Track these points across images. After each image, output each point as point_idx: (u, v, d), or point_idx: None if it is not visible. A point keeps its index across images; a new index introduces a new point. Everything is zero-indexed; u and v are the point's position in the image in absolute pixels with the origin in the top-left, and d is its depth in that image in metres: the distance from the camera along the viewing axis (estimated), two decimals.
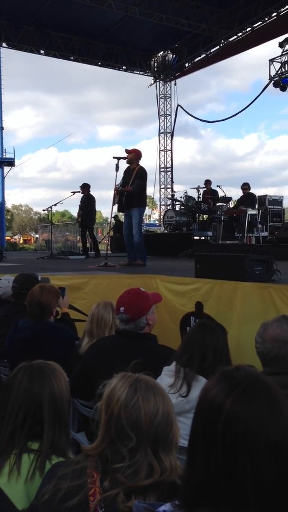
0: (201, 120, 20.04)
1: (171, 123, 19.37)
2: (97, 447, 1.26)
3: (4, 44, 16.39)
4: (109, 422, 1.24)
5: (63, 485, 1.20)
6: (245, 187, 11.22)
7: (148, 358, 2.15)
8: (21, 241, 44.59)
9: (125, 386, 1.26)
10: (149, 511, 0.99)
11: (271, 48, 13.39)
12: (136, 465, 1.18)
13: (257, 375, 1.00)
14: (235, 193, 11.67)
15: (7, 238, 32.54)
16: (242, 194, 11.36)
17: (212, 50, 16.74)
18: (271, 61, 13.40)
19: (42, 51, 16.51)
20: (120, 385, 1.27)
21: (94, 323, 2.89)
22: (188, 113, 18.75)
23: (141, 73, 18.78)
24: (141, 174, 7.18)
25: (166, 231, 13.41)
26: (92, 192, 10.85)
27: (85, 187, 10.75)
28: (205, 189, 12.68)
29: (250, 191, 11.30)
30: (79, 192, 10.66)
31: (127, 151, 7.27)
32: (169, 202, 17.55)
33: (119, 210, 7.78)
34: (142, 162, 7.40)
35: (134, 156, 7.21)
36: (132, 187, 7.00)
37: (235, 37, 15.56)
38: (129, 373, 1.32)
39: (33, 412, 1.56)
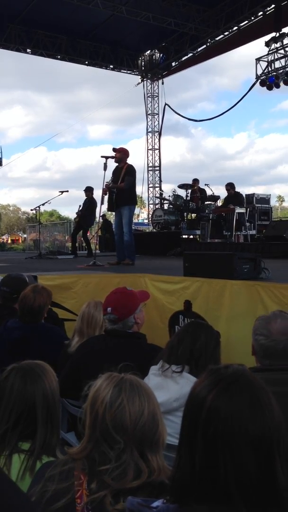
0: (189, 119, 19.99)
1: (158, 122, 19.40)
2: (83, 449, 1.24)
3: None
4: (94, 424, 1.23)
5: (50, 487, 1.19)
6: (228, 187, 11.26)
7: (137, 358, 2.16)
8: (9, 241, 44.27)
9: (110, 387, 1.25)
10: (142, 506, 1.00)
11: (261, 46, 13.44)
12: (123, 466, 1.17)
13: (243, 372, 1.01)
14: (224, 192, 11.70)
15: None
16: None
17: (199, 49, 16.75)
18: (258, 60, 13.46)
19: (28, 50, 16.35)
20: (104, 386, 1.26)
21: (84, 322, 2.88)
22: (176, 112, 18.74)
23: (128, 72, 18.73)
24: (131, 171, 7.20)
25: (154, 230, 13.41)
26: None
27: (89, 190, 10.86)
28: (193, 187, 12.72)
29: (236, 191, 11.33)
30: (67, 191, 10.66)
31: (114, 150, 7.27)
32: (157, 201, 17.55)
33: (109, 210, 7.77)
34: (132, 161, 7.45)
35: (122, 155, 7.22)
36: (124, 183, 7.01)
37: (221, 36, 15.59)
38: (114, 373, 1.31)
39: (27, 413, 1.56)
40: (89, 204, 10.74)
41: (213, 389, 0.97)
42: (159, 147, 19.62)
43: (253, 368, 2.05)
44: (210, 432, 0.93)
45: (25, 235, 30.62)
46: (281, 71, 12.93)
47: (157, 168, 19.62)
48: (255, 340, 2.11)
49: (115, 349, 2.43)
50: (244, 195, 12.00)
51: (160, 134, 19.53)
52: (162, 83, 18.74)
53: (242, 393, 0.96)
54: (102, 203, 7.27)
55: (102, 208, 7.54)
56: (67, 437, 2.58)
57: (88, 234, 12.23)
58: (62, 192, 10.60)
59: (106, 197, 7.22)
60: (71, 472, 1.22)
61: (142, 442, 1.20)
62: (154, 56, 18.40)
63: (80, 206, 10.96)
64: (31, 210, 11.18)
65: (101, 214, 9.50)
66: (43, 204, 10.43)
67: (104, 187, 7.13)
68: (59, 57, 17.04)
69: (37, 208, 10.57)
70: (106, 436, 1.20)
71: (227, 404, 0.94)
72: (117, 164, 7.29)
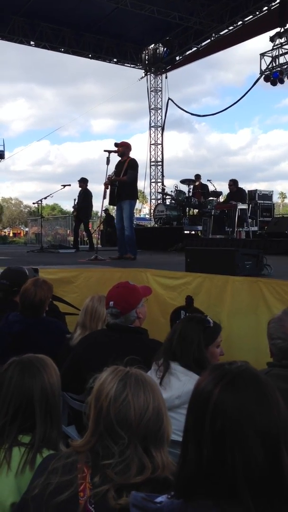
0: (192, 114, 20.04)
1: (162, 116, 19.32)
2: (86, 443, 1.24)
3: None
4: (98, 418, 1.22)
5: (53, 479, 1.18)
6: (231, 183, 11.24)
7: (138, 352, 2.15)
8: (11, 234, 44.28)
9: (115, 381, 1.24)
10: (147, 501, 1.00)
11: (265, 41, 13.36)
12: (126, 461, 1.16)
13: (247, 367, 1.02)
14: (226, 188, 11.69)
15: None
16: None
17: (203, 44, 16.67)
18: (262, 55, 13.39)
19: (32, 42, 16.31)
20: (109, 379, 1.25)
21: (87, 316, 2.88)
22: (179, 107, 18.68)
23: (131, 65, 18.65)
24: (133, 165, 7.17)
25: (156, 225, 13.39)
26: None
27: (83, 182, 10.81)
28: (196, 183, 12.69)
29: (239, 186, 11.32)
30: (69, 185, 10.65)
31: (116, 144, 7.24)
32: (159, 196, 17.52)
33: (110, 203, 7.74)
34: (135, 155, 7.42)
35: (125, 148, 7.20)
36: (126, 177, 6.98)
37: (226, 30, 15.50)
38: (119, 367, 1.30)
39: (25, 407, 1.57)
40: (84, 195, 10.71)
41: (218, 383, 0.97)
42: (162, 142, 19.59)
43: (270, 363, 2.07)
44: (217, 425, 0.93)
45: (26, 229, 30.60)
46: (285, 66, 12.87)
47: (160, 163, 19.58)
48: (273, 344, 2.12)
49: (117, 343, 2.42)
50: (246, 191, 11.98)
51: (163, 129, 19.48)
52: (166, 77, 18.70)
53: (248, 386, 0.97)
54: (104, 197, 7.25)
55: (104, 202, 7.53)
56: (67, 431, 2.59)
57: (90, 227, 12.21)
58: (64, 186, 10.59)
59: (108, 191, 7.20)
60: (74, 465, 1.21)
61: (146, 438, 1.20)
62: (158, 50, 18.32)
63: (75, 199, 10.92)
64: (33, 203, 11.21)
65: (103, 209, 9.49)
66: (45, 198, 10.44)
67: (106, 180, 7.10)
68: (62, 49, 16.98)
69: (39, 202, 10.58)
70: (110, 430, 1.19)
71: (234, 397, 0.95)
72: (120, 158, 7.26)
